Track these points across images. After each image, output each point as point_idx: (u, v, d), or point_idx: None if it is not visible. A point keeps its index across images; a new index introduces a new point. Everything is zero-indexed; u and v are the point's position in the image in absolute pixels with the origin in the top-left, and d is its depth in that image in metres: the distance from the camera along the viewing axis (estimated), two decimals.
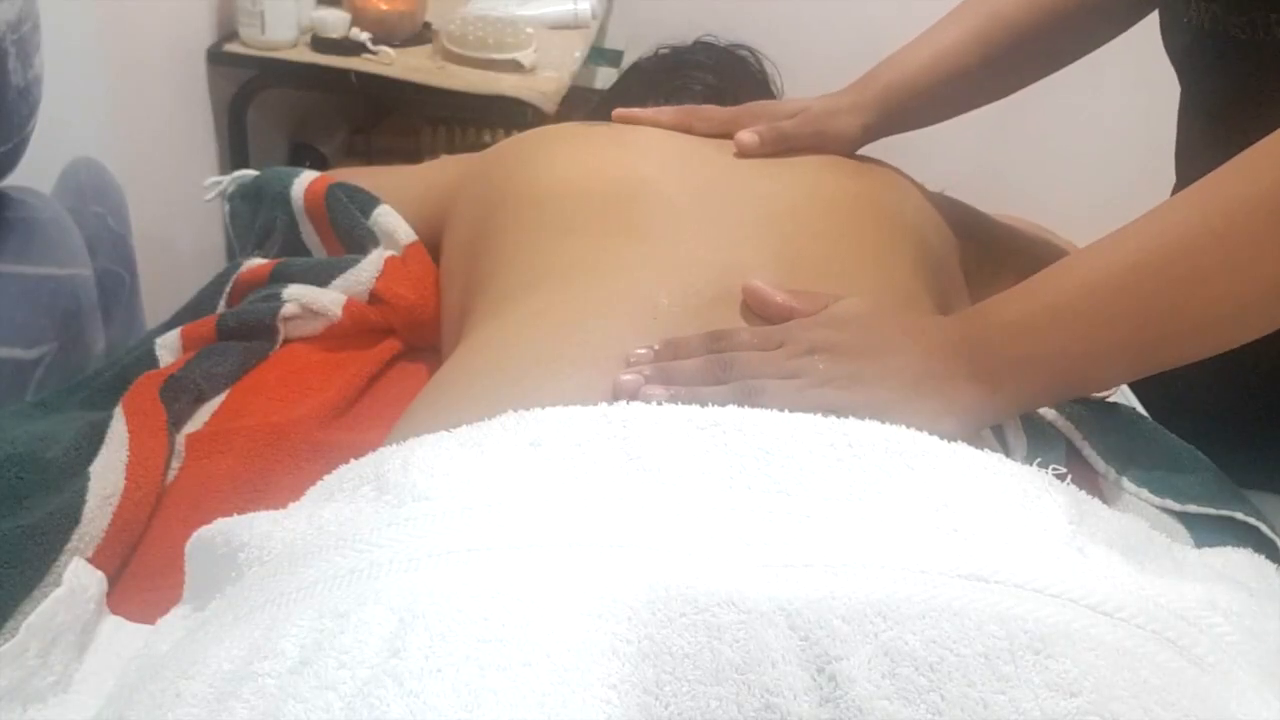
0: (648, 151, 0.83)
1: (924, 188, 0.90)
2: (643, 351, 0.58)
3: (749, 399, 0.55)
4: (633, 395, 0.55)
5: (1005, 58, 0.87)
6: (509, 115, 1.77)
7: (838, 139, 0.86)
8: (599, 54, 2.25)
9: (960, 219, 0.91)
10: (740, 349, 0.59)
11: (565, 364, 0.60)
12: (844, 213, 0.77)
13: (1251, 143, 0.56)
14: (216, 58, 1.76)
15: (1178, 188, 0.77)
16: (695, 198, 0.76)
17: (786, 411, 0.53)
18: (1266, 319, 0.56)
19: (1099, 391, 0.64)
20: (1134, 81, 2.11)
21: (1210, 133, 0.77)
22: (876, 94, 0.87)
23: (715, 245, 0.70)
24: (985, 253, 0.93)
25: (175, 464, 0.73)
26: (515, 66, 1.79)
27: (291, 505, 0.55)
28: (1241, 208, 0.55)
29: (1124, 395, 0.87)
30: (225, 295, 0.89)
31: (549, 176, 0.80)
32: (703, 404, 0.54)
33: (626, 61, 2.08)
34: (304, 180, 0.93)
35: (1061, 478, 0.54)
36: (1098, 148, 2.18)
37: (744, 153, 0.83)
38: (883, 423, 0.52)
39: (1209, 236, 0.55)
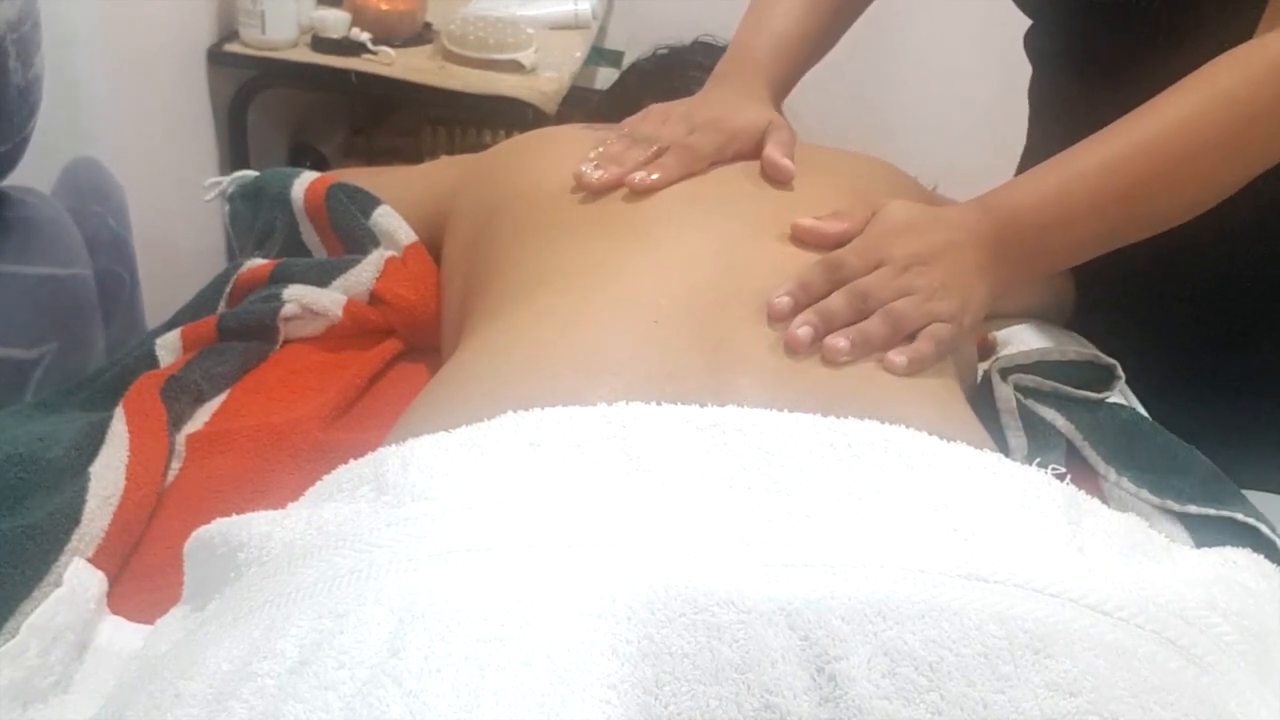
0: None
1: (918, 183, 0.90)
2: (784, 300, 0.64)
3: (896, 327, 0.65)
4: (807, 348, 0.62)
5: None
6: (509, 116, 1.77)
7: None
8: (599, 54, 2.25)
9: None
10: (854, 276, 0.66)
11: (564, 368, 0.60)
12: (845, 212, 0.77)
13: (1148, 90, 0.72)
14: (216, 58, 1.76)
15: (1044, 140, 0.85)
16: (696, 198, 0.76)
17: (783, 413, 0.53)
18: (1201, 206, 0.73)
19: (1083, 259, 0.77)
20: None
21: (1104, 86, 0.86)
22: (768, 82, 0.90)
23: (716, 246, 0.70)
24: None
25: (175, 464, 0.73)
26: (515, 67, 1.79)
27: (291, 506, 0.55)
28: (1195, 112, 0.70)
29: (1124, 396, 0.87)
30: (225, 296, 0.89)
31: (551, 177, 0.80)
32: (702, 404, 0.54)
33: (626, 62, 2.08)
34: (304, 181, 0.94)
35: (1061, 478, 0.54)
36: None
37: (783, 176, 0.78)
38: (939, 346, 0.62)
39: (1170, 139, 0.70)
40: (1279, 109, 0.70)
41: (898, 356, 0.64)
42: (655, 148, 0.78)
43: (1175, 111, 0.71)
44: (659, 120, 0.83)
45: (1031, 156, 1.01)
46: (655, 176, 0.75)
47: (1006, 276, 0.72)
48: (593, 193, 0.75)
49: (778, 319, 0.64)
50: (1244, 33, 0.73)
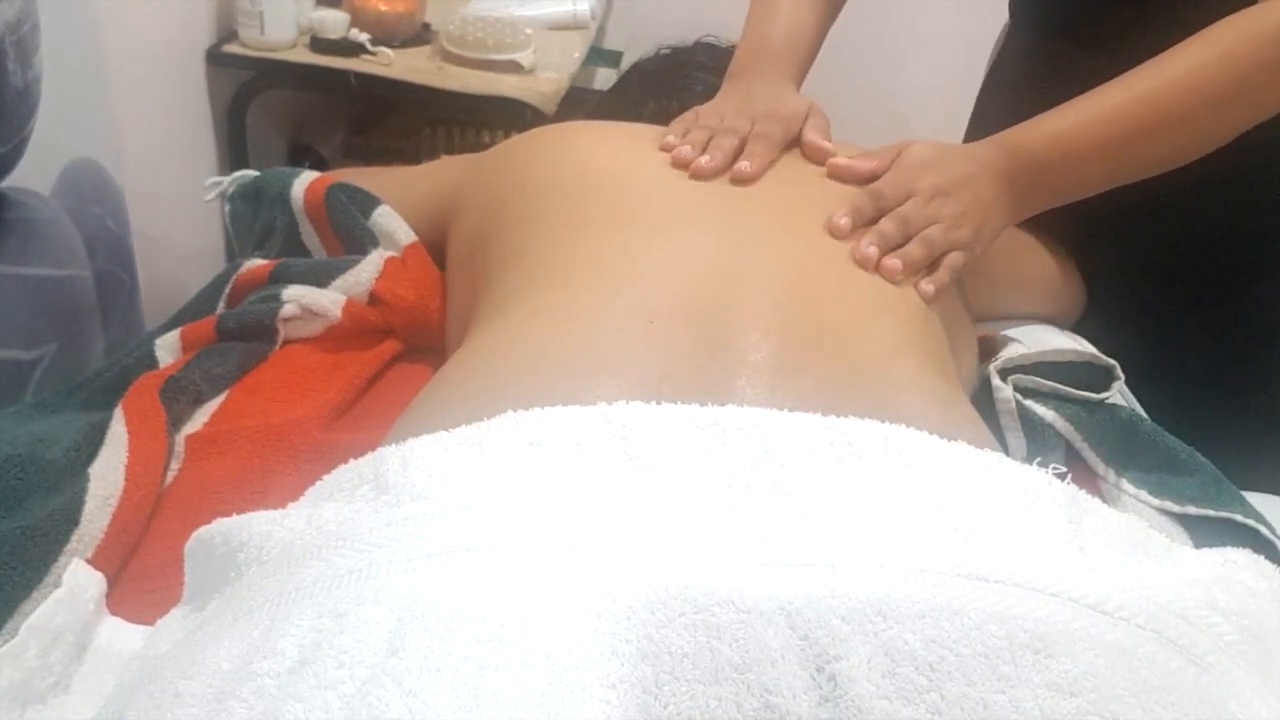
0: (655, 148, 0.82)
1: None
2: (845, 220, 0.74)
3: (929, 252, 0.75)
4: (874, 263, 0.72)
5: None
6: (508, 116, 1.77)
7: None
8: (598, 54, 2.25)
9: None
10: (891, 206, 0.76)
11: (561, 368, 0.60)
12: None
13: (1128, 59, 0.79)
14: (216, 58, 1.76)
15: (1014, 105, 0.89)
16: (701, 195, 0.76)
17: (784, 412, 0.53)
18: (1198, 153, 0.81)
19: (1085, 195, 0.83)
20: None
21: (1091, 50, 0.94)
22: (789, 72, 0.96)
23: (720, 246, 0.70)
24: (980, 255, 0.93)
25: (175, 465, 0.73)
26: (514, 67, 1.79)
27: (290, 506, 0.54)
28: (1197, 67, 0.77)
29: (1124, 396, 0.87)
30: (225, 296, 0.89)
31: (554, 173, 0.80)
32: (702, 404, 0.54)
33: (626, 62, 2.08)
34: (304, 181, 0.93)
35: (1061, 477, 0.54)
36: None
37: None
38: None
39: (1173, 91, 0.78)
40: (1274, 69, 0.77)
41: (927, 285, 0.74)
42: (739, 138, 0.81)
43: (1178, 66, 0.78)
44: (717, 117, 0.84)
45: (987, 120, 1.04)
46: (752, 166, 0.79)
47: (1018, 209, 0.81)
48: (699, 177, 0.78)
49: (841, 237, 0.74)
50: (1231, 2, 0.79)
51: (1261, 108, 0.80)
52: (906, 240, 0.74)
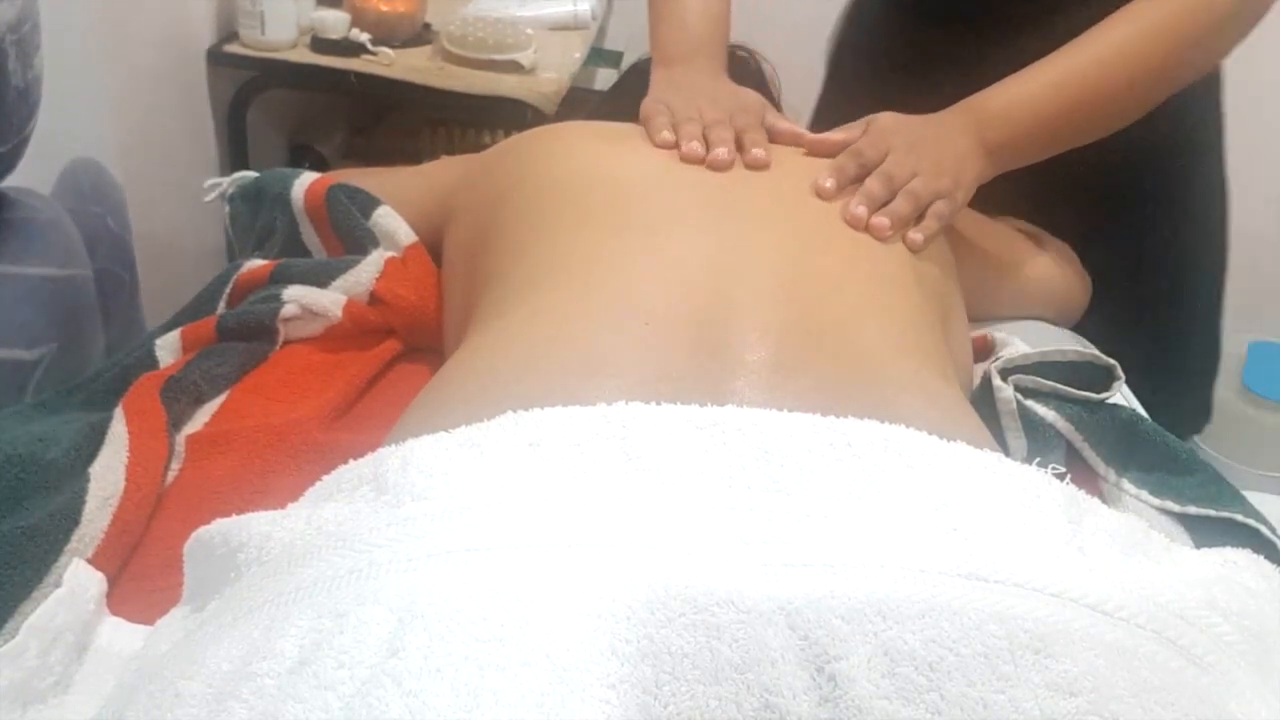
0: (656, 149, 0.82)
1: None
2: (830, 183, 0.78)
3: (916, 205, 0.79)
4: (865, 222, 0.76)
5: None
6: (509, 116, 1.77)
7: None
8: (599, 55, 2.25)
9: (956, 220, 0.91)
10: (873, 163, 0.80)
11: (558, 370, 0.60)
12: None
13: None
14: (216, 58, 1.76)
15: (876, 87, 0.97)
16: (699, 196, 0.76)
17: (783, 412, 0.53)
18: (1132, 117, 0.89)
19: (1043, 156, 0.89)
20: None
21: (968, 38, 1.02)
22: (720, 59, 0.99)
23: (715, 245, 0.70)
24: (979, 256, 0.93)
25: (175, 465, 0.73)
26: (515, 67, 1.79)
27: (290, 506, 0.54)
28: (1126, 40, 0.86)
29: (1125, 396, 0.87)
30: (225, 296, 0.89)
31: (551, 173, 0.80)
32: (701, 404, 0.54)
33: (626, 62, 2.07)
34: (304, 181, 0.93)
35: (1061, 477, 0.54)
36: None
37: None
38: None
39: (1106, 64, 0.86)
40: (1194, 41, 0.86)
41: (915, 234, 0.78)
42: (734, 129, 0.83)
43: (1108, 42, 0.86)
44: (695, 110, 0.86)
45: (843, 104, 1.07)
46: (765, 154, 0.81)
47: (989, 164, 0.86)
48: (716, 169, 0.80)
49: (827, 198, 0.78)
50: None
51: (1183, 79, 0.90)
52: (891, 196, 0.78)
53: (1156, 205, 1.09)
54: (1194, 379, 1.20)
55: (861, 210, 0.76)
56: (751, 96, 0.91)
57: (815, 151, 0.84)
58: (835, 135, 0.85)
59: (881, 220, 0.76)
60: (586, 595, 0.44)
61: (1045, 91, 0.86)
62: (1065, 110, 0.86)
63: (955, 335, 0.79)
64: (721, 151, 0.80)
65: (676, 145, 0.82)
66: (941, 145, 0.83)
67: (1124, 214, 1.08)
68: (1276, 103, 2.12)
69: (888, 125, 0.84)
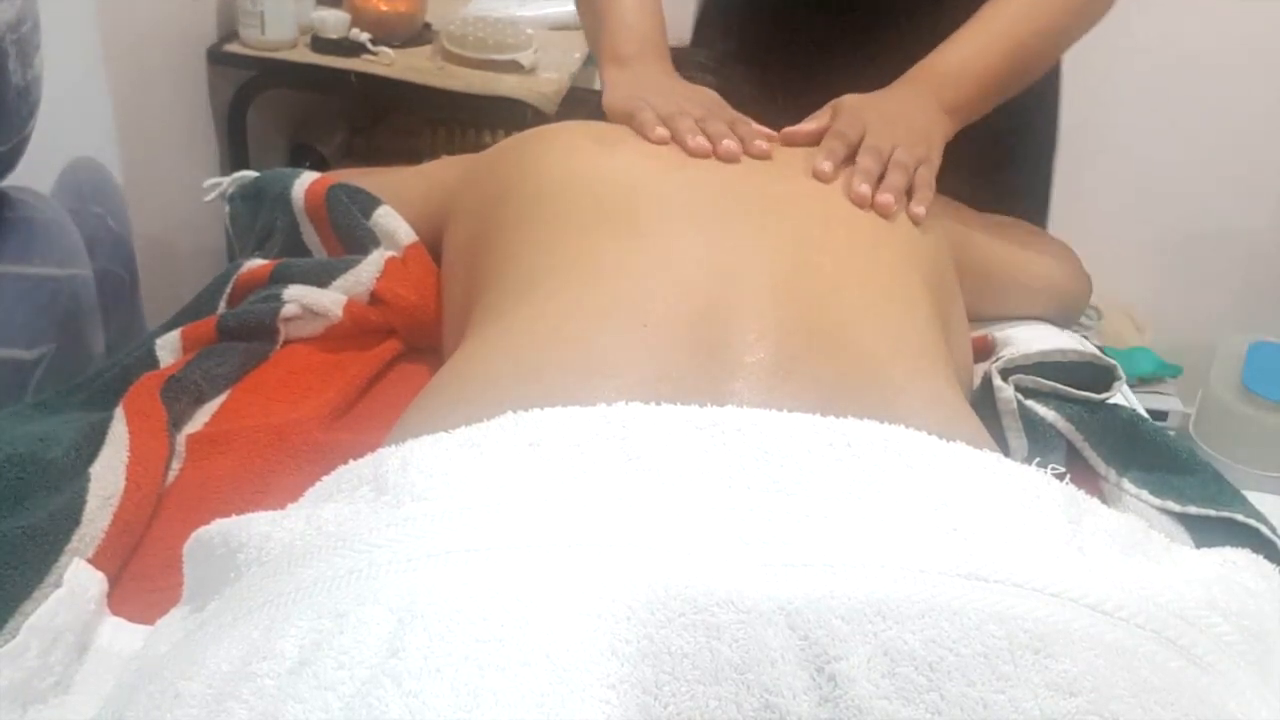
0: (653, 150, 0.82)
1: None
2: (827, 165, 0.80)
3: (906, 174, 0.81)
4: (870, 200, 0.78)
5: None
6: (509, 116, 1.77)
7: None
8: None
9: (956, 220, 0.91)
10: (857, 140, 0.83)
11: (557, 372, 0.60)
12: (843, 213, 0.77)
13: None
14: (216, 58, 1.76)
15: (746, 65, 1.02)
16: (698, 197, 0.76)
17: (783, 413, 0.53)
18: (1062, 50, 1.00)
19: (988, 108, 0.94)
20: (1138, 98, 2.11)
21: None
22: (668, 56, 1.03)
23: (714, 248, 0.70)
24: (979, 255, 0.93)
25: (176, 465, 0.73)
26: (515, 67, 1.79)
27: (290, 506, 0.54)
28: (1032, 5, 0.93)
29: (1125, 396, 0.87)
30: (225, 296, 0.89)
31: (551, 173, 0.79)
32: (701, 404, 0.54)
33: None
34: (304, 181, 0.93)
35: (1061, 477, 0.54)
36: (1097, 156, 2.18)
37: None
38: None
39: (1019, 28, 0.93)
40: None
41: (917, 208, 0.80)
42: (722, 122, 0.85)
43: (1016, 11, 0.94)
44: (675, 106, 0.87)
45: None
46: (766, 144, 0.83)
47: (950, 122, 0.90)
48: (722, 160, 0.81)
49: (828, 180, 0.80)
50: None
51: (1081, 31, 0.98)
52: (882, 168, 0.81)
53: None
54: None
55: (865, 188, 0.78)
56: (713, 92, 0.93)
57: (790, 143, 0.86)
58: (806, 126, 0.88)
59: (885, 198, 0.78)
60: (586, 595, 0.44)
61: (987, 48, 0.92)
62: (1006, 63, 0.92)
63: (955, 335, 0.79)
64: (729, 144, 0.81)
65: (671, 140, 0.83)
66: (910, 114, 0.87)
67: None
68: (1277, 103, 2.12)
69: (855, 104, 0.87)
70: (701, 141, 0.81)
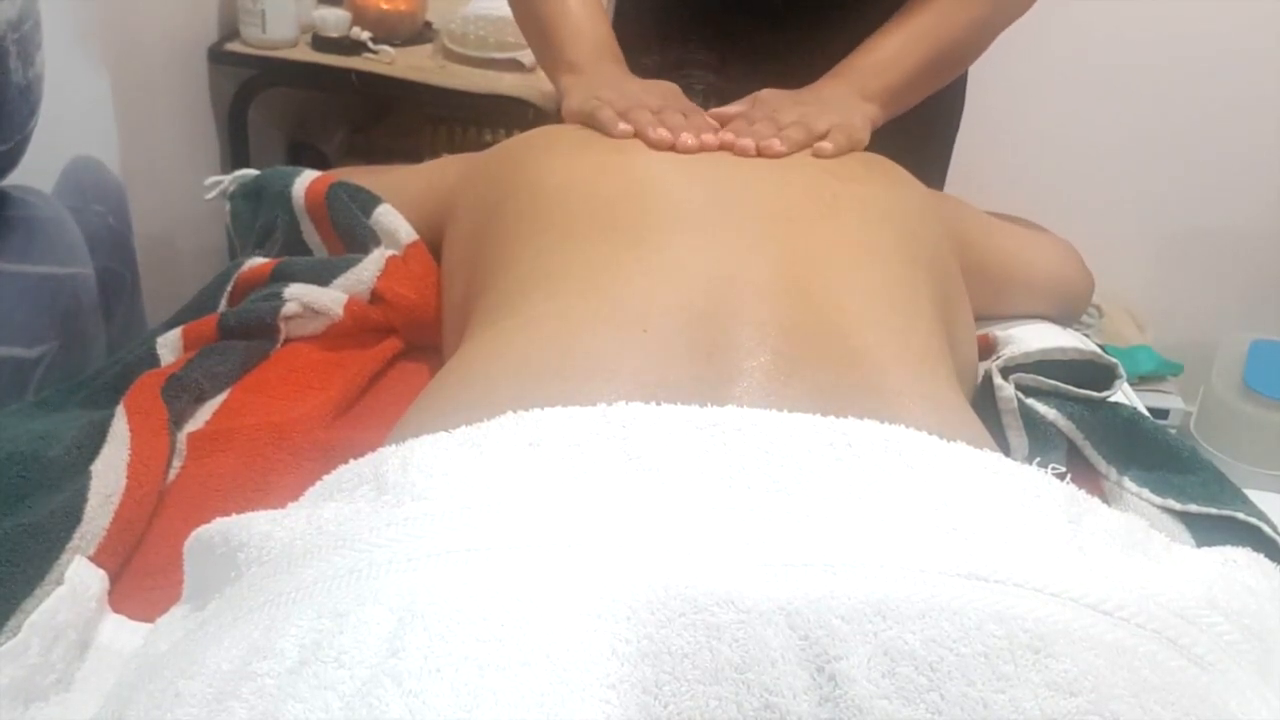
0: (655, 153, 0.82)
1: (923, 185, 0.90)
2: (748, 142, 0.84)
3: (810, 130, 0.86)
4: (754, 150, 0.83)
5: None
6: (510, 115, 1.77)
7: None
8: None
9: (960, 219, 0.91)
10: (764, 115, 0.88)
11: (557, 372, 0.60)
12: (844, 214, 0.77)
13: None
14: (217, 57, 1.76)
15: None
16: (698, 201, 0.76)
17: (783, 413, 0.53)
18: (988, 40, 1.04)
19: (913, 101, 1.01)
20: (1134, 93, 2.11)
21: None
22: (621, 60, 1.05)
23: (715, 252, 0.70)
24: (982, 254, 0.93)
25: (177, 463, 0.73)
26: (516, 66, 1.79)
27: (291, 505, 0.55)
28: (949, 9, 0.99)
29: (1126, 395, 0.87)
30: (226, 294, 0.89)
31: (552, 176, 0.79)
32: (702, 404, 0.54)
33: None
34: (305, 179, 0.93)
35: (1061, 477, 0.54)
36: (1098, 154, 2.18)
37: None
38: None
39: (937, 28, 0.99)
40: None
41: (824, 143, 0.85)
42: (678, 114, 0.87)
43: (939, 5, 0.99)
44: (636, 101, 0.88)
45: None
46: (759, 140, 0.85)
47: (874, 110, 0.95)
48: (693, 153, 0.83)
49: (730, 150, 0.83)
50: None
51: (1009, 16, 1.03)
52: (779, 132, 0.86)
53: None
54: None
55: (746, 143, 0.83)
56: (670, 84, 0.95)
57: (720, 120, 0.90)
58: (730, 109, 0.93)
59: (771, 141, 0.83)
60: (586, 595, 0.44)
61: (910, 40, 0.98)
62: (931, 53, 0.99)
63: (959, 336, 0.79)
64: (686, 136, 0.83)
65: (635, 135, 0.84)
66: (825, 100, 0.92)
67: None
68: (1277, 102, 2.12)
69: (772, 95, 0.93)
70: (663, 133, 0.83)
